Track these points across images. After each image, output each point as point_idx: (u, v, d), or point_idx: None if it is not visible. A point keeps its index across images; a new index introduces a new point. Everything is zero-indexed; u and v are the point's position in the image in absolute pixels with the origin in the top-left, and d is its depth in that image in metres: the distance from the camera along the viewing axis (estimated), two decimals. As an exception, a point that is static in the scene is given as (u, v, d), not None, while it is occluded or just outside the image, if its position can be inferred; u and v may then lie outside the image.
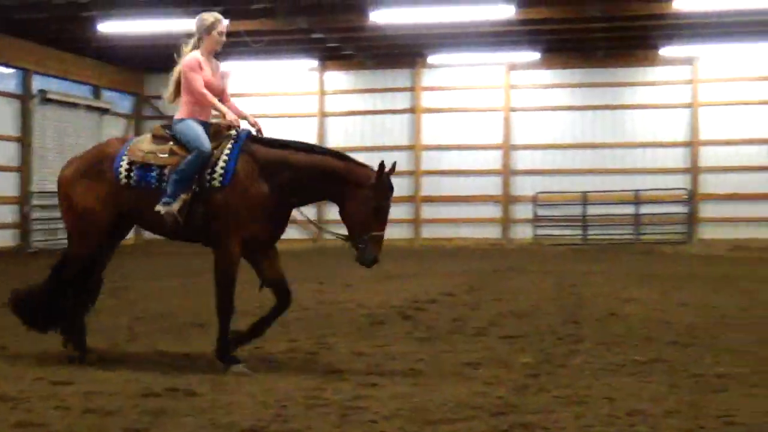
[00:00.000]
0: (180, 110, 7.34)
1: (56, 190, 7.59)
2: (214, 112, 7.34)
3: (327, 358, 7.51)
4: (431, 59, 23.09)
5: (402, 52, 23.22)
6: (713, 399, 5.96)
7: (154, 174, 7.21)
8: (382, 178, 7.00)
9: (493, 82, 23.81)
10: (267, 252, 7.27)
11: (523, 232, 23.49)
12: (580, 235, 23.29)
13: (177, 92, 7.41)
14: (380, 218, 7.01)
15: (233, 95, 8.37)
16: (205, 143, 7.11)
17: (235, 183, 7.06)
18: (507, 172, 23.81)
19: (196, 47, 7.37)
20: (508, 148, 23.81)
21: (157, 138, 7.35)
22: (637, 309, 10.40)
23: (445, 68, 23.86)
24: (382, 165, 6.99)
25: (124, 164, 7.26)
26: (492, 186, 23.89)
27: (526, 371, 6.93)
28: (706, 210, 22.76)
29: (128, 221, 7.55)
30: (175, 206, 7.03)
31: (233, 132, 7.28)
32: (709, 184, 22.71)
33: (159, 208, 7.06)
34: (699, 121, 22.77)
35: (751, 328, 8.94)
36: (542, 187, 23.53)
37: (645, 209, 22.90)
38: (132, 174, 7.24)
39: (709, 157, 22.73)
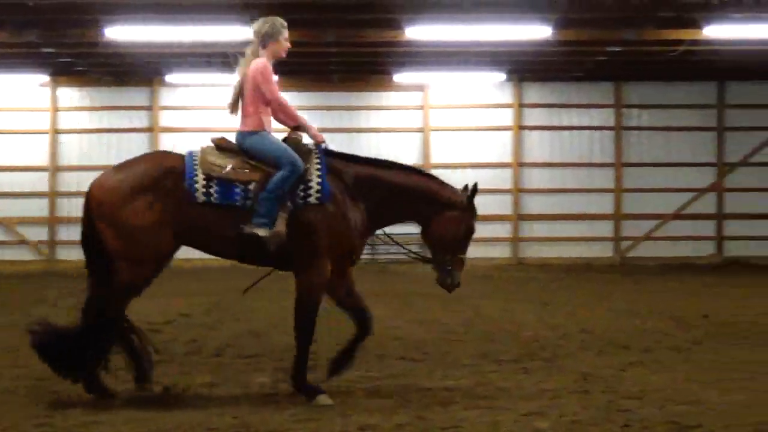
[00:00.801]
0: (247, 121, 6.70)
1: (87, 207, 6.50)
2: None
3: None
4: (169, 78, 22.76)
5: (139, 71, 22.74)
6: (441, 411, 6.24)
7: (238, 191, 6.51)
8: (473, 200, 6.91)
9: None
10: (345, 275, 6.87)
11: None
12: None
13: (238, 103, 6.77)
14: (468, 240, 6.92)
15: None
16: (299, 158, 6.55)
17: (334, 200, 6.59)
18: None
19: (255, 55, 6.80)
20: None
21: (224, 150, 6.66)
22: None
23: (183, 88, 23.59)
24: (475, 186, 7.00)
25: (200, 179, 6.49)
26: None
27: (262, 391, 6.97)
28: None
29: (181, 243, 6.57)
30: (280, 226, 6.41)
31: (310, 146, 6.77)
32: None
33: (254, 230, 6.39)
34: (430, 145, 23.78)
35: (474, 342, 9.41)
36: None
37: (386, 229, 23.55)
38: (212, 191, 6.49)
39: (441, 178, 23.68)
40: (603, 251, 23.63)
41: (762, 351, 8.62)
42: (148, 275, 6.52)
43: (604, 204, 23.75)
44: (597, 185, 23.69)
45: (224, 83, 24.35)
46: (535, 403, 6.45)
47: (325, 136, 7.07)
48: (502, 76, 22.34)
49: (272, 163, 6.59)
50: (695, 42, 18.04)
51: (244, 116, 6.75)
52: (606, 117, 24.01)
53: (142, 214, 6.39)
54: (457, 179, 24.77)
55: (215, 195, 6.50)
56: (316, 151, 6.78)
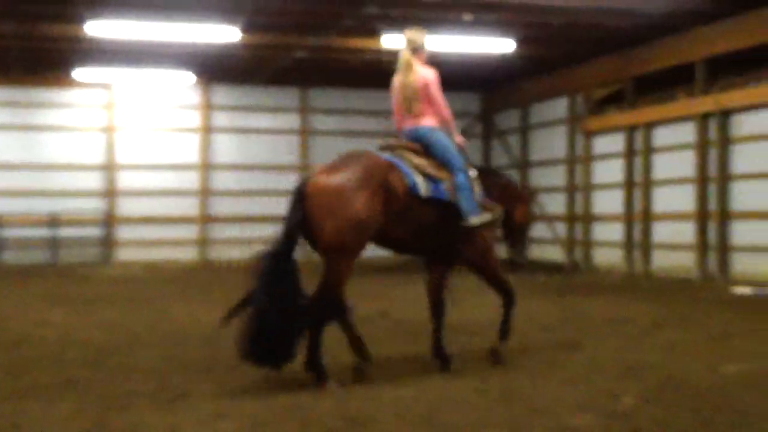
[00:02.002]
0: (426, 119, 7.61)
1: (309, 199, 6.84)
2: None
3: None
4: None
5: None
6: (120, 416, 6.10)
7: (443, 188, 7.39)
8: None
9: None
10: None
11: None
12: (-7, 258, 22.33)
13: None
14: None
15: None
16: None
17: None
18: None
19: (411, 61, 7.66)
20: None
21: (414, 152, 7.47)
22: (52, 332, 10.25)
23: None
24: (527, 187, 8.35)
25: (419, 177, 7.27)
26: None
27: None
28: (123, 232, 23.14)
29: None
30: (486, 216, 7.60)
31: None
32: (126, 207, 23.13)
33: (471, 221, 7.44)
34: (115, 145, 23.13)
35: (158, 345, 9.28)
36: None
37: (63, 232, 22.64)
38: (429, 187, 7.31)
39: (125, 180, 23.16)
40: (291, 252, 24.07)
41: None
42: (353, 266, 7.05)
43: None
44: (285, 188, 24.07)
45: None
46: (218, 403, 6.46)
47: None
48: (190, 76, 22.15)
49: (444, 159, 7.53)
50: (376, 51, 18.85)
51: (419, 115, 7.64)
52: (292, 121, 24.51)
53: (367, 210, 6.90)
54: (143, 181, 24.39)
55: (432, 191, 7.34)
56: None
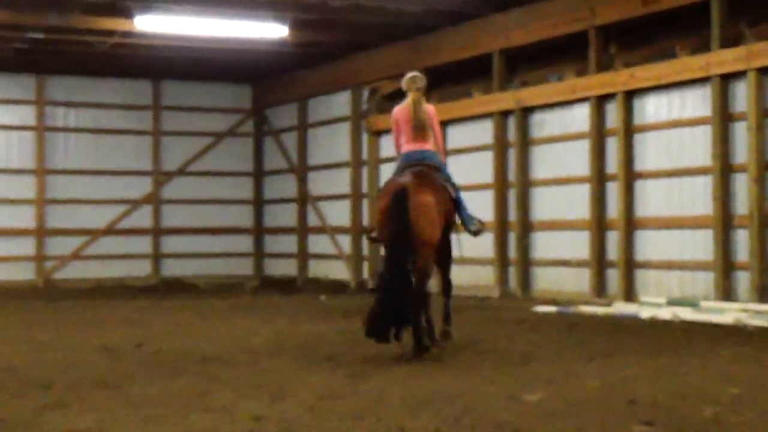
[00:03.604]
0: (431, 144, 10.77)
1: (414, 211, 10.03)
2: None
3: None
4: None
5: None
6: None
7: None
8: None
9: None
10: None
11: None
12: None
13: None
14: None
15: None
16: None
17: None
18: None
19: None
20: None
21: (437, 171, 10.76)
22: None
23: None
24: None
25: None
26: None
27: None
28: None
29: None
30: (482, 224, 11.28)
31: None
32: None
33: (472, 229, 10.99)
34: None
35: None
36: None
37: None
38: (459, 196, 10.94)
39: None
40: (24, 272, 23.25)
41: (195, 380, 9.03)
42: None
43: (25, 217, 23.37)
44: (17, 195, 23.27)
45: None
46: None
47: None
48: None
49: (446, 178, 10.80)
50: (128, 34, 18.49)
51: (427, 140, 10.75)
52: (26, 115, 23.63)
53: (442, 214, 10.44)
54: None
55: (463, 201, 10.96)
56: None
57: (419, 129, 10.67)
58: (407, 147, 10.73)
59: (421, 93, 10.80)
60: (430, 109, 10.92)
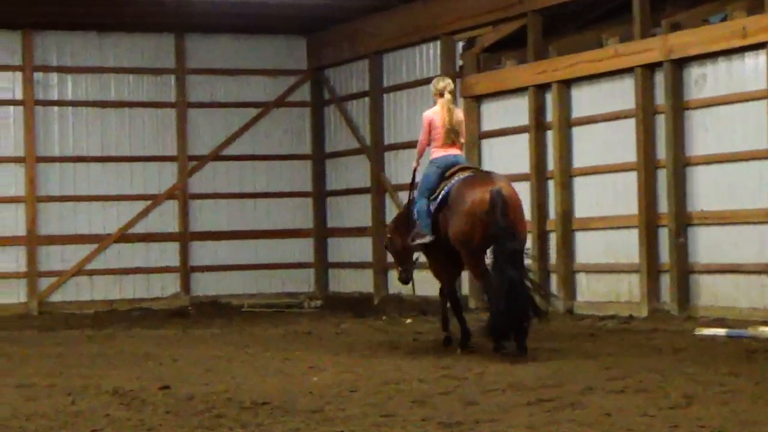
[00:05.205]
0: (461, 147, 14.55)
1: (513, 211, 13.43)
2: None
3: None
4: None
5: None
6: None
7: None
8: None
9: None
10: None
11: None
12: None
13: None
14: None
15: None
16: None
17: None
18: None
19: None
20: None
21: None
22: None
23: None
24: None
25: None
26: None
27: None
28: None
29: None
30: None
31: None
32: None
33: None
34: None
35: None
36: None
37: None
38: None
39: None
40: (12, 293, 23.32)
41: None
42: None
43: (11, 221, 23.50)
44: (-1, 192, 23.42)
45: None
46: None
47: None
48: None
49: None
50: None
51: (457, 145, 14.32)
52: (8, 85, 23.75)
53: None
54: None
55: None
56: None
57: (452, 134, 14.18)
58: (440, 152, 14.29)
59: (452, 97, 14.36)
60: (460, 114, 14.60)
